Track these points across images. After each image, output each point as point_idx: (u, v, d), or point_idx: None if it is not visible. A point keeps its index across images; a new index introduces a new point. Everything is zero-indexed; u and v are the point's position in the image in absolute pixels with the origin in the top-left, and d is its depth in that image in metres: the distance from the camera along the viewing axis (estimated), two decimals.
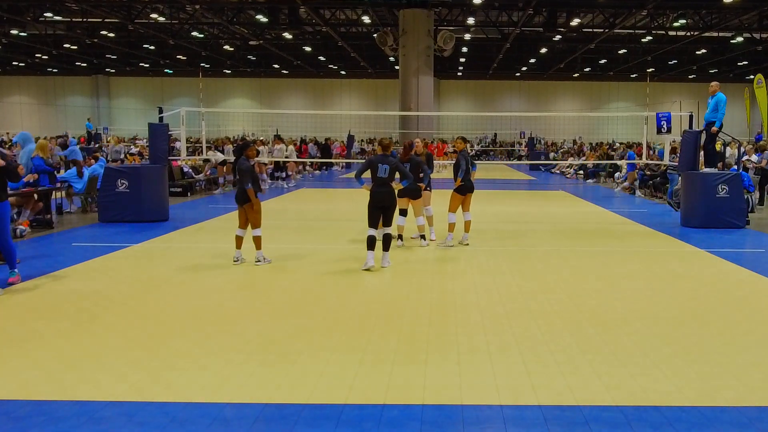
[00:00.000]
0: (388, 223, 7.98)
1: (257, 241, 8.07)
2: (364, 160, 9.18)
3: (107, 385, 4.19)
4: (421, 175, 9.17)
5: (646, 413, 3.83)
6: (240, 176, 7.96)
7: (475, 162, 10.08)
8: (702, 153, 12.26)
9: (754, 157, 16.36)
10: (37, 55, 42.73)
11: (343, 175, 26.12)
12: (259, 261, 8.10)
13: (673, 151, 16.12)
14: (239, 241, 8.13)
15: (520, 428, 3.64)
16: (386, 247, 8.02)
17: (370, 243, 7.84)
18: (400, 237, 9.33)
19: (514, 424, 3.69)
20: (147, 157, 15.64)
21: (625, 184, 18.48)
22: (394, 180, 7.95)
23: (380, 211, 7.90)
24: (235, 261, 8.12)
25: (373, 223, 7.93)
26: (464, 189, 9.41)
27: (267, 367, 4.51)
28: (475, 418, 3.76)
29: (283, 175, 21.41)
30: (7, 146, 29.16)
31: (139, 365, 4.54)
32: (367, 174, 8.01)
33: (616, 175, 21.45)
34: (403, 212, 9.25)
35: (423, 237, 9.39)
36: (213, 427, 3.62)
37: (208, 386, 4.17)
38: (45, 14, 29.95)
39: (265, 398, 4.00)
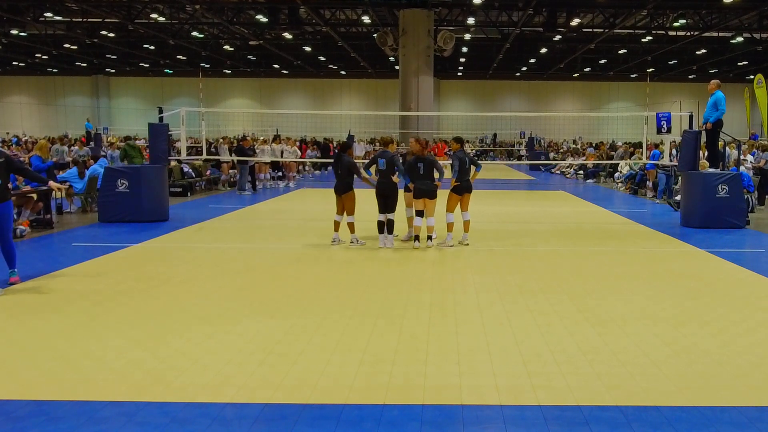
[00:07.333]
0: (390, 209, 9.20)
1: (351, 226, 9.29)
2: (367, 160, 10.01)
3: (107, 385, 4.19)
4: (437, 175, 9.20)
5: (646, 413, 3.83)
6: (343, 170, 9.16)
7: (480, 162, 10.09)
8: (703, 153, 12.27)
9: (750, 157, 16.37)
10: (37, 55, 42.71)
11: None
12: (353, 242, 9.28)
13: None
14: (336, 225, 9.42)
15: (520, 428, 3.64)
16: (389, 230, 9.25)
17: (379, 227, 9.23)
18: (416, 238, 9.27)
19: (514, 424, 3.69)
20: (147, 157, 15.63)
21: (649, 184, 17.93)
22: (394, 173, 9.13)
23: (382, 198, 9.15)
24: (333, 242, 9.37)
25: (380, 209, 9.22)
26: (460, 189, 9.41)
27: (267, 367, 4.51)
28: (475, 418, 3.76)
29: (280, 174, 21.39)
30: (7, 146, 29.16)
31: (139, 365, 4.54)
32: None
33: (616, 175, 21.44)
34: (420, 213, 9.26)
35: (430, 238, 9.38)
36: (213, 427, 3.62)
37: (208, 386, 4.17)
38: (45, 14, 29.93)
39: (265, 398, 4.00)
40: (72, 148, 22.82)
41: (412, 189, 9.16)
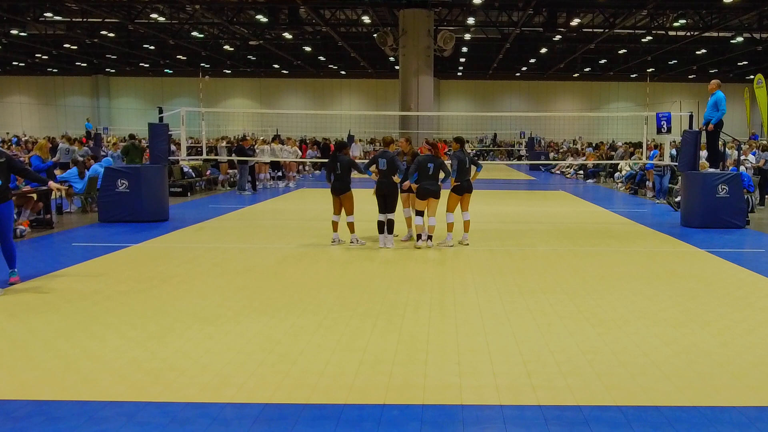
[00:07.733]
0: (390, 209, 9.19)
1: (351, 226, 9.32)
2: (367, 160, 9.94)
3: (107, 385, 4.19)
4: (442, 175, 9.23)
5: (646, 413, 3.83)
6: (343, 169, 9.18)
7: (480, 163, 10.09)
8: (703, 152, 12.27)
9: (750, 157, 16.37)
10: (37, 55, 42.70)
11: None
12: (353, 242, 9.32)
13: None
14: (335, 225, 9.46)
15: (520, 428, 3.64)
16: (389, 230, 9.24)
17: (380, 227, 9.22)
18: (418, 237, 9.29)
19: (514, 424, 3.69)
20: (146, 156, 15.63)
21: (649, 184, 17.92)
22: (395, 173, 9.06)
23: (382, 198, 9.14)
24: (332, 242, 9.42)
25: (380, 209, 9.22)
26: (460, 189, 9.41)
27: (267, 367, 4.51)
28: (475, 418, 3.76)
29: (280, 174, 21.37)
30: (6, 146, 29.17)
31: (139, 365, 4.54)
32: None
33: (616, 175, 21.44)
34: (419, 213, 9.26)
35: (430, 237, 9.38)
36: (213, 427, 3.62)
37: (208, 386, 4.17)
38: (45, 14, 29.91)
39: (265, 398, 4.00)
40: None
41: (417, 189, 9.12)
